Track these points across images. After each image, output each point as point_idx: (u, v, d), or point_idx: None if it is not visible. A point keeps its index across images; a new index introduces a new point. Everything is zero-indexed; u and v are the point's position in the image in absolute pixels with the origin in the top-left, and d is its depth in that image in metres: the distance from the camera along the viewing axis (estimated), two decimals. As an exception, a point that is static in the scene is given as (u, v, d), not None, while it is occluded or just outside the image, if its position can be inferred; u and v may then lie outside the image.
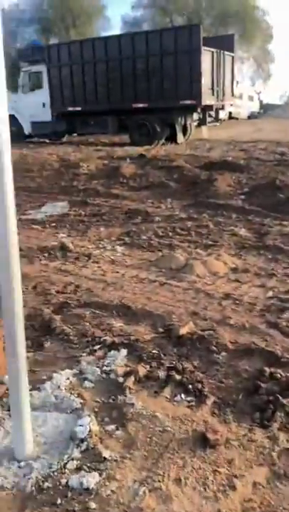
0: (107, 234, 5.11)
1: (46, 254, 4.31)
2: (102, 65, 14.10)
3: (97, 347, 2.64)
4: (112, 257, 4.25)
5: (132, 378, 2.32)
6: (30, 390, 2.23)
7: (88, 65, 14.30)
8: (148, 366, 2.44)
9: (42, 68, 15.30)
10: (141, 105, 13.75)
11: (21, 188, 7.72)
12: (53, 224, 5.57)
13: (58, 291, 3.38)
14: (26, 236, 5.06)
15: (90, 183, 7.62)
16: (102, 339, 2.70)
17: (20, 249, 4.41)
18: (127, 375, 2.36)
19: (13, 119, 15.73)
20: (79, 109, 14.80)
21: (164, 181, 7.45)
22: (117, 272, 3.82)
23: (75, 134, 16.46)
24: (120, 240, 4.85)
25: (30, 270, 3.88)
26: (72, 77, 14.63)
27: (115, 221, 5.64)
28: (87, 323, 2.92)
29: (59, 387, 2.29)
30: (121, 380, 2.33)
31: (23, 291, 3.38)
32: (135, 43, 13.55)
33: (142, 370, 2.39)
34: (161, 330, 2.83)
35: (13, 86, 18.72)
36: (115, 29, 46.75)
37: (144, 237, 4.88)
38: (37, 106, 15.48)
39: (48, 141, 16.08)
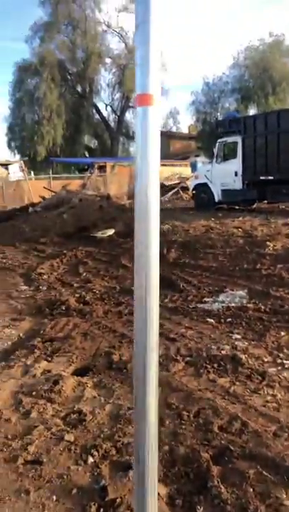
0: (288, 341, 4.50)
1: (216, 365, 3.95)
2: (299, 134, 13.71)
3: (257, 537, 2.11)
4: (291, 381, 3.63)
5: None
6: None
7: (284, 134, 14.07)
8: None
9: (237, 139, 15.67)
10: None
11: (202, 268, 7.69)
12: (229, 319, 5.21)
13: (221, 428, 2.96)
14: (198, 332, 4.84)
15: (275, 268, 7.05)
16: (265, 526, 2.16)
17: (190, 354, 4.22)
18: None
19: (205, 187, 16.52)
20: (271, 178, 14.56)
21: None
22: (295, 408, 3.20)
23: (265, 201, 16.12)
24: (303, 354, 4.18)
25: (195, 386, 3.57)
26: (266, 147, 14.60)
27: (299, 323, 4.97)
28: (250, 490, 2.40)
29: None
30: None
31: (183, 418, 3.11)
32: None
33: None
34: None
35: (210, 156, 19.76)
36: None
37: None
38: (229, 175, 15.80)
39: (237, 207, 16.13)
